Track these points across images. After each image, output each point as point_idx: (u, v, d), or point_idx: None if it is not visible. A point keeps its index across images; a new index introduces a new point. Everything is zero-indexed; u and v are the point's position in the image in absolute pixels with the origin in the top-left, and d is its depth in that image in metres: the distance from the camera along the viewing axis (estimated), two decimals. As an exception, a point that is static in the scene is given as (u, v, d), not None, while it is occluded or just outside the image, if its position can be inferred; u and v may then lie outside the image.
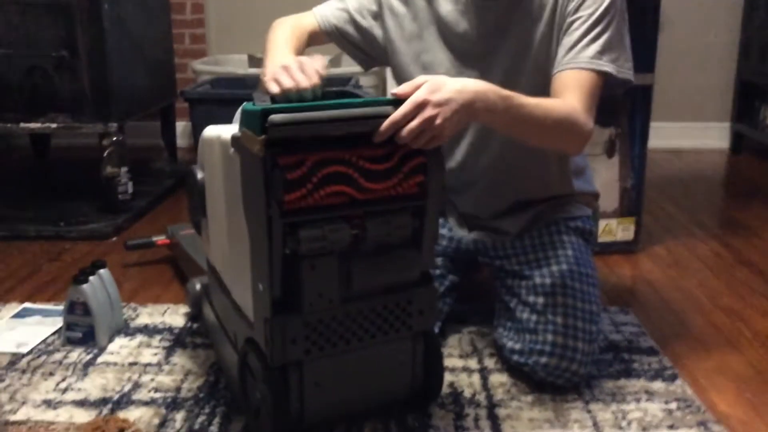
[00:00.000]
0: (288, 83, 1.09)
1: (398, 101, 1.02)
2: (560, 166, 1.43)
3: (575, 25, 1.26)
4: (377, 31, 1.42)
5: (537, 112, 1.17)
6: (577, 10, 1.26)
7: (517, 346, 1.31)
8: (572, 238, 1.40)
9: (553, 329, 1.28)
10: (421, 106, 1.01)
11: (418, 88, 1.03)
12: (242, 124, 1.01)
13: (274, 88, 1.10)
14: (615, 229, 2.00)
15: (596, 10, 1.25)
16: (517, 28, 1.30)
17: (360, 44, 1.45)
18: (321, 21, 1.45)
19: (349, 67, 2.85)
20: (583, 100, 1.23)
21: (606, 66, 1.25)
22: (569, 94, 1.23)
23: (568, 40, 1.27)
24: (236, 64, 3.08)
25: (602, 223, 1.97)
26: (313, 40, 1.45)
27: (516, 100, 1.14)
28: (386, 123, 1.01)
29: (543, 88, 1.27)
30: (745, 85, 3.27)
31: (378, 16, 1.41)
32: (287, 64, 1.13)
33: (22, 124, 2.24)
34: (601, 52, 1.25)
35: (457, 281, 1.53)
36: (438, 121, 1.02)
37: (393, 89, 1.07)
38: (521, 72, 1.32)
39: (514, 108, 1.13)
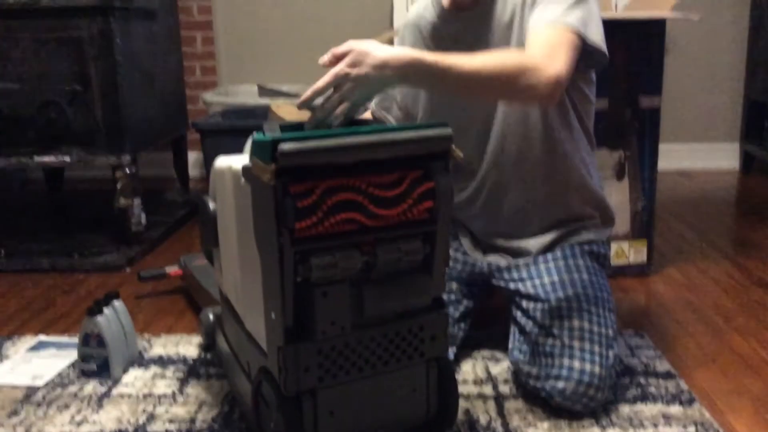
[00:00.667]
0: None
1: (404, 128, 1.05)
2: (578, 190, 1.44)
3: (539, 5, 1.29)
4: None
5: (482, 70, 1.17)
6: None
7: (534, 371, 1.31)
8: (588, 263, 1.40)
9: (569, 353, 1.27)
10: (340, 78, 1.12)
11: (343, 55, 1.13)
12: (252, 153, 1.02)
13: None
14: (627, 252, 1.99)
15: None
16: (494, 37, 1.35)
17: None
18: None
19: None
20: (542, 48, 1.21)
21: (570, 20, 1.23)
22: (529, 48, 1.24)
23: (532, 18, 1.28)
24: (246, 95, 3.12)
25: (614, 246, 1.97)
26: None
27: (454, 62, 1.16)
28: (308, 92, 1.15)
29: None
30: (754, 104, 3.27)
31: None
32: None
33: (36, 158, 2.26)
34: (565, 14, 1.24)
35: (472, 306, 1.53)
36: (353, 92, 1.14)
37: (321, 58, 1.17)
38: None
39: (453, 70, 1.16)
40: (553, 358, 1.28)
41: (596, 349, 1.27)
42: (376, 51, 1.13)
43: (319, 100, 1.17)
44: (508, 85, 1.19)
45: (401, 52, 1.16)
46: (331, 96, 1.16)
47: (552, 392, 1.27)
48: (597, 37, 1.28)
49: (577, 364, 1.26)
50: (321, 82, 1.14)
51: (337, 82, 1.14)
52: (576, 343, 1.27)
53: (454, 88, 1.21)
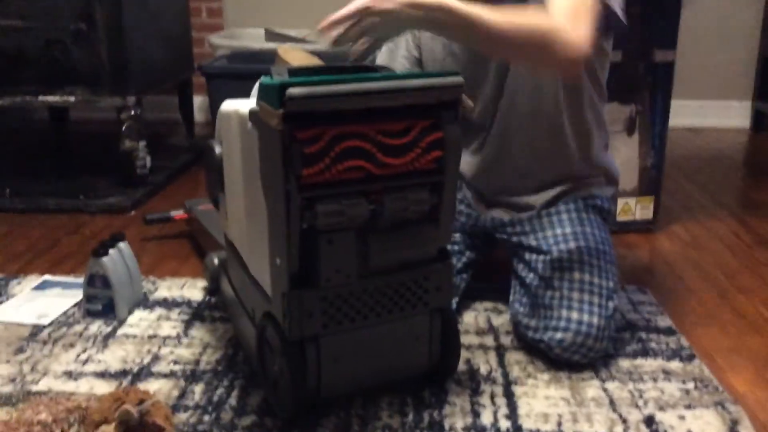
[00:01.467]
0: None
1: (415, 75, 1.03)
2: (583, 149, 1.42)
3: None
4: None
5: (511, 27, 1.12)
6: None
7: (533, 323, 1.31)
8: (591, 216, 1.40)
9: (568, 305, 1.27)
10: (366, 11, 1.07)
11: None
12: (260, 98, 1.00)
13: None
14: (633, 208, 1.99)
15: None
16: None
17: None
18: None
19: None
20: (566, 13, 1.14)
21: None
22: (552, 10, 1.15)
23: None
24: (253, 38, 3.07)
25: (621, 202, 1.96)
26: None
27: (484, 14, 1.10)
28: (327, 19, 1.07)
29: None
30: (767, 62, 3.21)
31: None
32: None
33: (40, 97, 2.25)
34: None
35: (474, 258, 1.53)
36: (376, 27, 1.09)
37: None
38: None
39: (483, 22, 1.10)
40: (552, 309, 1.29)
41: (595, 300, 1.27)
42: None
43: (338, 30, 1.11)
44: (535, 46, 1.14)
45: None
46: (351, 28, 1.10)
47: (551, 343, 1.27)
48: (618, 6, 1.24)
49: (575, 315, 1.26)
50: (344, 11, 1.07)
51: (362, 15, 1.07)
52: (575, 295, 1.28)
53: (478, 40, 1.16)
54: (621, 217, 1.97)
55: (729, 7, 3.23)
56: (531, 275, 1.37)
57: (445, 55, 1.41)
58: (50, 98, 2.25)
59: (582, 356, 1.28)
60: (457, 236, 1.50)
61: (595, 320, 1.26)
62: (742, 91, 3.34)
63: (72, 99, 2.25)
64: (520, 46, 1.15)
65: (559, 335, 1.26)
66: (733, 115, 3.36)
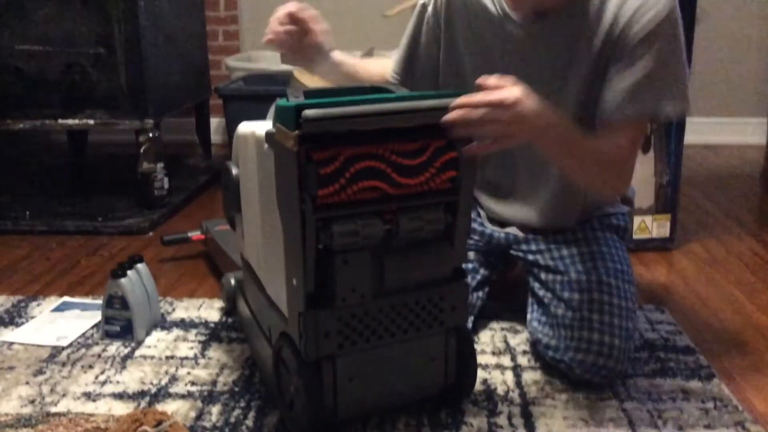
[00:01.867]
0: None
1: (428, 96, 1.03)
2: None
3: (631, 66, 1.20)
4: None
5: (593, 152, 1.20)
6: (636, 45, 1.19)
7: (553, 342, 1.31)
8: (607, 235, 1.40)
9: (589, 326, 1.26)
10: (498, 107, 1.02)
11: (504, 87, 1.04)
12: (276, 119, 1.02)
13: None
14: (650, 226, 1.98)
15: (656, 48, 1.18)
16: (562, 43, 1.26)
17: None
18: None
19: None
20: (625, 147, 1.23)
21: (660, 111, 1.22)
22: (620, 138, 1.22)
23: (615, 83, 1.21)
24: (269, 61, 3.10)
25: (637, 220, 1.95)
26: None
27: (579, 137, 1.16)
28: (458, 107, 1.01)
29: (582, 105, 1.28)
30: (785, 79, 3.20)
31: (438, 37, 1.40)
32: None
33: (60, 121, 2.28)
34: (657, 98, 1.21)
35: (489, 276, 1.53)
36: (504, 133, 1.05)
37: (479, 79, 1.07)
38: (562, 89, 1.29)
39: (576, 145, 1.17)
40: (572, 330, 1.28)
41: (615, 321, 1.26)
42: (536, 118, 1.05)
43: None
44: (607, 178, 1.26)
45: (556, 122, 1.11)
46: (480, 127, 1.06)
47: (571, 364, 1.27)
48: (682, 106, 1.23)
49: (596, 336, 1.25)
50: (474, 113, 1.01)
51: (482, 123, 1.03)
52: (595, 316, 1.27)
53: (566, 159, 1.20)
54: (638, 235, 1.96)
55: (743, 24, 3.22)
56: (549, 295, 1.36)
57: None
58: (70, 121, 2.28)
59: (602, 377, 1.27)
60: (472, 255, 1.50)
61: (616, 342, 1.25)
62: (757, 108, 3.32)
63: (91, 122, 2.28)
64: (593, 173, 1.24)
65: (580, 356, 1.26)
66: (748, 132, 3.34)
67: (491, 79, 1.05)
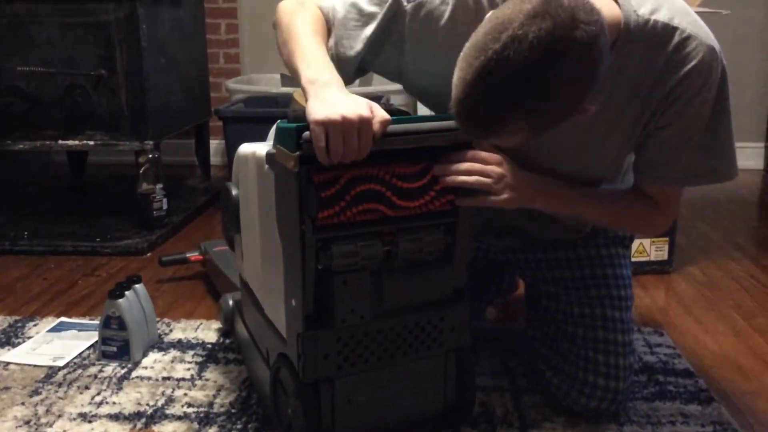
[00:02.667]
0: (338, 155, 0.96)
1: (429, 118, 1.04)
2: None
3: (672, 134, 1.11)
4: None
5: (605, 213, 1.21)
6: (680, 119, 1.10)
7: (555, 380, 1.29)
8: (611, 251, 1.34)
9: (594, 369, 1.24)
10: (485, 175, 1.06)
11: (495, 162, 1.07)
12: (277, 140, 1.02)
13: (323, 158, 0.95)
14: (649, 249, 1.98)
15: (702, 121, 1.11)
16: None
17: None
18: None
19: (380, 86, 2.87)
20: (665, 209, 1.21)
21: (711, 177, 1.18)
22: (659, 201, 1.20)
23: (664, 143, 1.13)
24: (269, 83, 3.12)
25: (636, 243, 1.95)
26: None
27: (585, 199, 1.17)
28: (454, 171, 1.04)
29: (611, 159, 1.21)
30: (781, 104, 3.22)
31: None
32: (341, 121, 0.94)
33: (60, 141, 2.29)
34: (710, 164, 1.16)
35: (483, 291, 1.51)
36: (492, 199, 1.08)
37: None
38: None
39: (580, 207, 1.18)
40: (578, 370, 1.25)
41: (621, 362, 1.24)
42: (526, 188, 1.08)
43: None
44: (631, 228, 1.30)
45: (551, 190, 1.13)
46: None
47: (575, 405, 1.26)
48: (730, 174, 1.19)
49: (602, 381, 1.23)
50: (470, 178, 1.05)
51: (477, 189, 1.07)
52: (601, 357, 1.24)
53: (568, 214, 1.22)
54: (636, 258, 1.96)
55: (740, 51, 3.25)
56: (552, 325, 1.34)
57: None
58: (70, 142, 2.29)
59: (602, 414, 1.26)
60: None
61: (621, 385, 1.24)
62: (754, 133, 3.35)
63: (91, 143, 2.29)
64: (615, 226, 1.27)
65: (583, 401, 1.25)
66: (746, 157, 3.35)
67: (482, 154, 1.08)
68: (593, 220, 1.25)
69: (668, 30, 1.05)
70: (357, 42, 1.16)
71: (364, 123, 0.95)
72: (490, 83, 0.88)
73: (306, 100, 1.00)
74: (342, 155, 0.95)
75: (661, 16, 1.05)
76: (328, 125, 0.93)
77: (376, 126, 0.97)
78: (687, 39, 1.05)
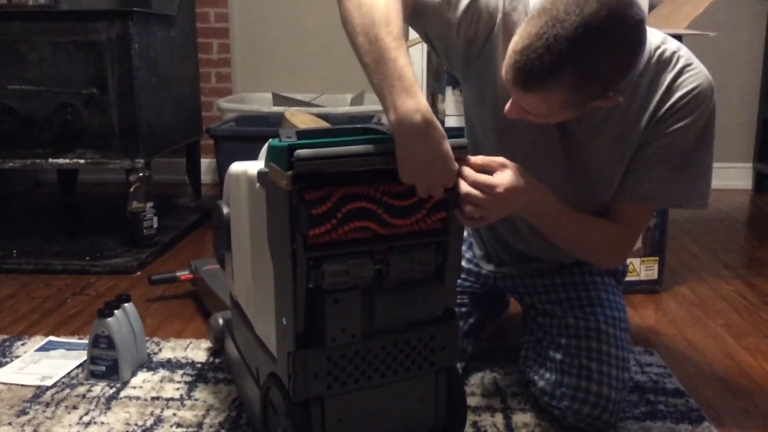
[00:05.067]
0: (439, 194, 1.04)
1: None
2: None
3: (659, 155, 1.19)
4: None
5: (574, 230, 1.22)
6: (674, 134, 1.17)
7: (548, 388, 1.30)
8: (605, 279, 1.39)
9: (587, 375, 1.25)
10: (484, 192, 1.07)
11: (496, 170, 1.10)
12: (269, 159, 1.02)
13: (423, 192, 1.03)
14: (638, 269, 1.99)
15: (688, 146, 1.18)
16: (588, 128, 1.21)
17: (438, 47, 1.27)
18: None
19: (372, 105, 2.89)
20: (633, 230, 1.26)
21: (682, 203, 1.23)
22: (622, 220, 1.24)
23: (645, 169, 1.20)
24: (261, 102, 3.13)
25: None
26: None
27: (558, 215, 1.18)
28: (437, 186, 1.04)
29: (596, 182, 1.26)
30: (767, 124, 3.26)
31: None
32: (442, 169, 1.02)
33: (50, 160, 2.28)
34: (684, 191, 1.21)
35: (483, 320, 1.52)
36: (483, 213, 1.09)
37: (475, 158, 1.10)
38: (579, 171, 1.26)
39: (558, 223, 1.19)
40: (570, 377, 1.26)
41: (613, 372, 1.25)
42: (514, 202, 1.11)
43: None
44: (596, 254, 1.28)
45: (536, 202, 1.15)
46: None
47: (566, 413, 1.26)
48: (700, 202, 1.24)
49: (594, 387, 1.24)
50: (463, 188, 1.07)
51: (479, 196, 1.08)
52: (594, 365, 1.25)
53: (546, 228, 1.22)
54: (626, 278, 1.96)
55: (728, 71, 3.29)
56: (546, 339, 1.35)
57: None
58: (60, 161, 2.28)
59: (596, 428, 1.26)
60: (465, 299, 1.49)
61: (613, 394, 1.24)
62: (743, 153, 3.38)
63: (82, 161, 2.28)
64: (578, 246, 1.27)
65: (576, 406, 1.24)
66: (735, 177, 3.38)
67: (478, 158, 1.10)
68: (561, 233, 1.23)
69: (674, 56, 1.16)
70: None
71: (445, 170, 1.03)
72: (555, 34, 0.97)
73: (394, 138, 1.01)
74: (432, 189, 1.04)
75: (669, 46, 1.17)
76: (417, 179, 1.02)
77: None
78: (689, 66, 1.16)
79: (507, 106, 1.12)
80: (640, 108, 1.17)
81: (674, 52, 1.16)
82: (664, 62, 1.16)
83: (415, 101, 0.98)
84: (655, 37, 1.17)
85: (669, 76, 1.16)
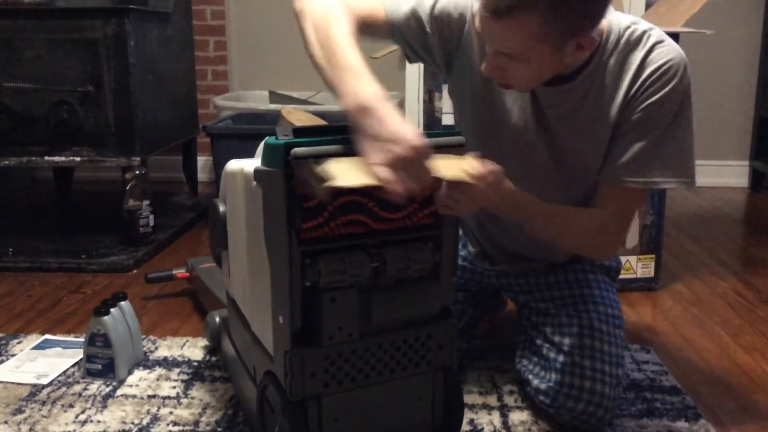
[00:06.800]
0: (413, 188, 0.95)
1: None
2: None
3: (636, 132, 1.16)
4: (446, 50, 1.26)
5: (555, 225, 1.20)
6: (647, 112, 1.15)
7: (543, 386, 1.30)
8: (598, 276, 1.40)
9: (580, 373, 1.25)
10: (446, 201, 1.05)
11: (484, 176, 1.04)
12: (265, 157, 1.02)
13: (399, 194, 0.93)
14: (635, 267, 1.99)
15: (664, 121, 1.15)
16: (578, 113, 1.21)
17: (420, 52, 1.28)
18: (389, 12, 1.23)
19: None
20: (621, 215, 1.22)
21: (663, 183, 1.18)
22: (608, 206, 1.22)
23: (622, 148, 1.18)
24: (257, 100, 3.13)
25: (622, 260, 1.96)
26: (365, 29, 1.19)
27: (533, 210, 1.16)
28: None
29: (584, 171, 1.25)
30: (764, 122, 3.26)
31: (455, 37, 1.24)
32: (413, 160, 0.94)
33: (46, 158, 2.28)
34: (662, 169, 1.17)
35: (478, 316, 1.52)
36: (460, 206, 1.06)
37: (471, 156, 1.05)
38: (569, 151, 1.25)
39: (528, 220, 1.18)
40: (564, 375, 1.26)
41: (607, 369, 1.25)
42: (482, 198, 1.06)
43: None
44: (584, 246, 1.26)
45: (503, 198, 1.10)
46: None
47: (561, 411, 1.26)
48: (683, 181, 1.19)
49: (588, 384, 1.24)
50: (442, 191, 1.04)
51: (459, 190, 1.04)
52: (587, 362, 1.26)
53: (523, 223, 1.20)
54: (623, 275, 1.96)
55: (725, 69, 3.30)
56: (540, 337, 1.35)
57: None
58: (56, 158, 2.28)
59: (592, 426, 1.26)
60: (460, 295, 1.49)
61: (607, 390, 1.24)
62: (739, 151, 3.38)
63: (78, 159, 2.28)
64: (566, 242, 1.25)
65: (570, 404, 1.25)
66: (731, 175, 3.39)
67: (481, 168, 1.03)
68: (540, 228, 1.20)
69: (644, 35, 1.16)
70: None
71: (418, 155, 0.94)
72: None
73: (354, 126, 0.98)
74: (409, 194, 0.95)
75: (640, 27, 1.17)
76: (389, 166, 0.93)
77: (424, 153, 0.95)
78: (660, 43, 1.16)
79: (483, 64, 1.11)
80: (612, 89, 1.17)
81: (644, 32, 1.16)
82: (634, 41, 1.16)
83: (364, 83, 0.99)
84: (625, 19, 1.17)
85: (640, 54, 1.15)
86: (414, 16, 1.22)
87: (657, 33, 1.17)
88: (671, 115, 1.16)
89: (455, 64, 1.26)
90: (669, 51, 1.15)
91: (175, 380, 1.45)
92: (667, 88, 1.14)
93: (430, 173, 0.96)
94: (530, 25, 1.01)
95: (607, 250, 1.30)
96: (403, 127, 0.94)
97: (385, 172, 0.93)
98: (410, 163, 0.93)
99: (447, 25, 1.22)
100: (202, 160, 3.24)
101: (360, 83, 0.99)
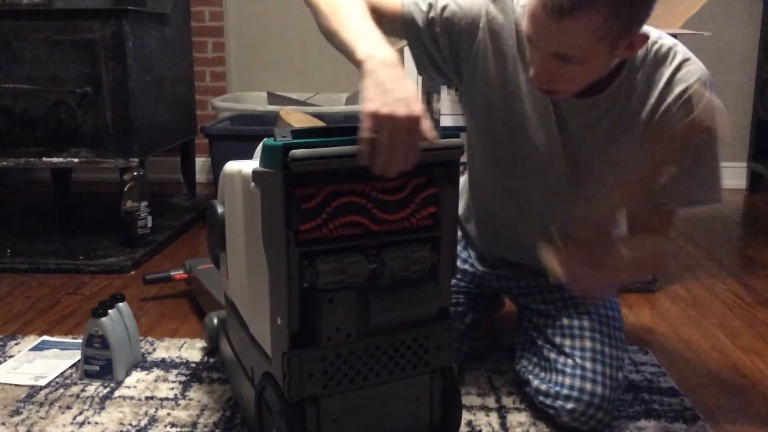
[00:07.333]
0: (381, 167, 0.94)
1: None
2: None
3: (674, 159, 1.16)
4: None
5: (637, 266, 1.19)
6: (681, 140, 1.15)
7: (543, 387, 1.30)
8: None
9: (581, 374, 1.25)
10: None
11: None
12: (263, 158, 1.02)
13: (365, 158, 0.93)
14: (633, 268, 1.99)
15: (699, 143, 1.16)
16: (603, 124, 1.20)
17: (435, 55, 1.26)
18: (406, 4, 1.22)
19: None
20: (670, 234, 1.27)
21: (698, 202, 1.20)
22: (659, 229, 1.24)
23: (662, 176, 1.16)
24: (255, 101, 3.13)
25: (620, 261, 1.96)
26: (378, 18, 1.14)
27: (632, 260, 1.14)
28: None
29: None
30: (762, 124, 3.27)
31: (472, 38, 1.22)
32: (392, 132, 0.92)
33: (44, 159, 2.28)
34: (697, 186, 1.19)
35: (478, 320, 1.52)
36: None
37: None
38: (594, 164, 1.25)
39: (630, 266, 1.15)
40: (564, 376, 1.27)
41: (607, 371, 1.26)
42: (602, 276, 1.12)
43: None
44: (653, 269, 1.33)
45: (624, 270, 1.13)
46: None
47: (561, 412, 1.26)
48: (714, 197, 1.22)
49: (588, 385, 1.24)
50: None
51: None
52: (588, 364, 1.26)
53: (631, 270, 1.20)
54: (621, 277, 1.97)
55: (723, 71, 3.30)
56: (541, 338, 1.36)
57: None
58: (54, 159, 2.28)
59: (590, 427, 1.26)
60: (461, 297, 1.49)
61: (607, 392, 1.24)
62: (737, 152, 3.39)
63: (76, 160, 2.28)
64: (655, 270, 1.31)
65: (570, 405, 1.25)
66: (729, 176, 3.39)
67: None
68: (639, 269, 1.25)
69: (671, 51, 1.16)
70: None
71: (413, 123, 0.92)
72: None
73: (361, 78, 0.95)
74: (387, 165, 0.93)
75: (666, 42, 1.17)
76: (378, 121, 0.91)
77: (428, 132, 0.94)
78: (687, 60, 1.15)
79: (531, 71, 1.09)
80: (638, 103, 1.16)
81: (671, 48, 1.16)
82: (661, 57, 1.15)
83: (385, 46, 0.97)
84: (651, 33, 1.15)
85: (667, 71, 1.15)
86: (429, 14, 1.21)
87: (682, 50, 1.17)
88: (705, 134, 1.15)
89: (466, 70, 1.24)
90: (696, 71, 1.15)
91: (173, 382, 1.45)
92: (697, 110, 1.13)
93: (415, 148, 0.94)
94: (594, 21, 0.97)
95: (668, 263, 1.37)
96: (414, 94, 0.93)
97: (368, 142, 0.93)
98: (401, 123, 0.91)
99: (457, 28, 1.20)
100: (201, 162, 3.24)
101: (381, 45, 0.98)
